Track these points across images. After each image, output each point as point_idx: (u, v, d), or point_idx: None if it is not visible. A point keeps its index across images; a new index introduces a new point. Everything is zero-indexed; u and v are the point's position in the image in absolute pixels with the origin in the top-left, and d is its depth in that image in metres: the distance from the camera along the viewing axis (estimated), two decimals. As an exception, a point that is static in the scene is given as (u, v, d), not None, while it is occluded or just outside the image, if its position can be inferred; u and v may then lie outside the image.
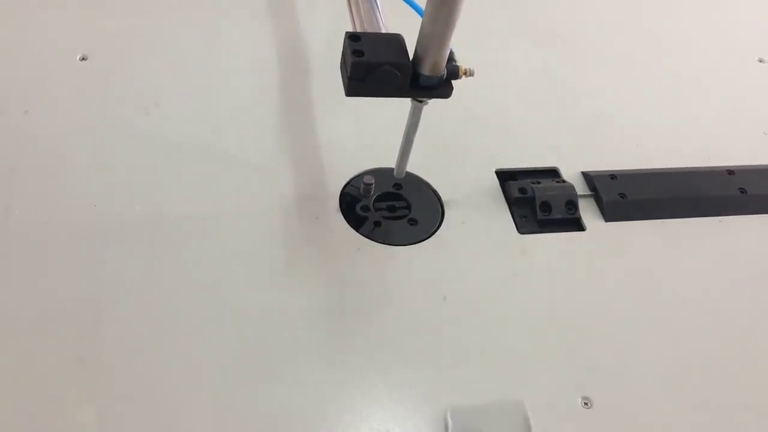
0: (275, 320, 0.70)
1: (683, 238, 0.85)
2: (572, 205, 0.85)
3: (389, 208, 0.82)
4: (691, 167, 0.93)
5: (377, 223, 0.80)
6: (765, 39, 1.19)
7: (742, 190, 0.90)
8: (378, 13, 0.72)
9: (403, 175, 0.80)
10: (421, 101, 0.70)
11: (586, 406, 0.69)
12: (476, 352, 0.71)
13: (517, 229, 0.83)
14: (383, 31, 0.69)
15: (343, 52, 0.65)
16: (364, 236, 0.79)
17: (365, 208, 0.81)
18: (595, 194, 0.88)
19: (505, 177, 0.88)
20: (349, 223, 0.79)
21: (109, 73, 0.92)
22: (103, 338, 0.67)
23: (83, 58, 0.93)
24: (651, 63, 1.10)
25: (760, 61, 1.14)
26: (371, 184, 0.81)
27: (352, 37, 0.64)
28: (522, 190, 0.85)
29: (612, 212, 0.86)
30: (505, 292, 0.77)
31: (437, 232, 0.81)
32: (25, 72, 0.90)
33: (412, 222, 0.81)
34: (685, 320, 0.77)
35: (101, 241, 0.74)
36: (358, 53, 0.63)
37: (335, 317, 0.72)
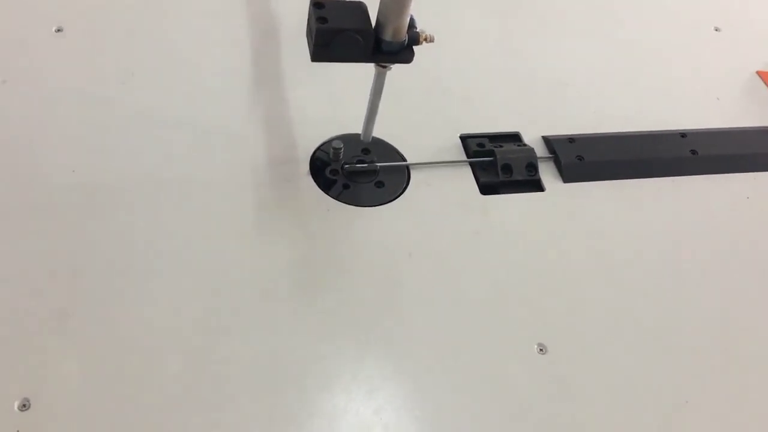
0: (248, 277, 0.74)
1: (637, 198, 0.90)
2: (532, 167, 0.89)
3: (358, 167, 0.85)
4: (646, 131, 0.97)
5: (346, 186, 0.84)
6: (722, 8, 1.23)
7: (694, 152, 0.95)
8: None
9: (370, 139, 0.83)
10: (384, 66, 0.73)
11: (541, 352, 0.73)
12: (438, 304, 0.76)
13: (480, 190, 0.87)
14: (347, -1, 0.72)
15: (308, 19, 0.69)
16: (334, 198, 0.82)
17: (335, 172, 0.85)
18: (555, 157, 0.92)
19: (468, 141, 0.92)
20: (319, 186, 0.83)
21: (85, 44, 0.94)
22: (83, 294, 0.70)
23: (59, 30, 0.95)
24: (609, 31, 1.14)
25: (716, 30, 1.18)
26: (340, 149, 0.84)
27: (316, 5, 0.68)
28: (480, 144, 0.90)
29: (570, 174, 0.90)
30: (468, 248, 0.81)
31: (403, 194, 0.85)
32: (1, 43, 0.92)
33: (380, 184, 0.85)
34: (637, 274, 0.82)
35: (80, 204, 0.77)
36: (322, 20, 0.67)
37: (305, 274, 0.76)
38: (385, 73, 0.75)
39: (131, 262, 0.73)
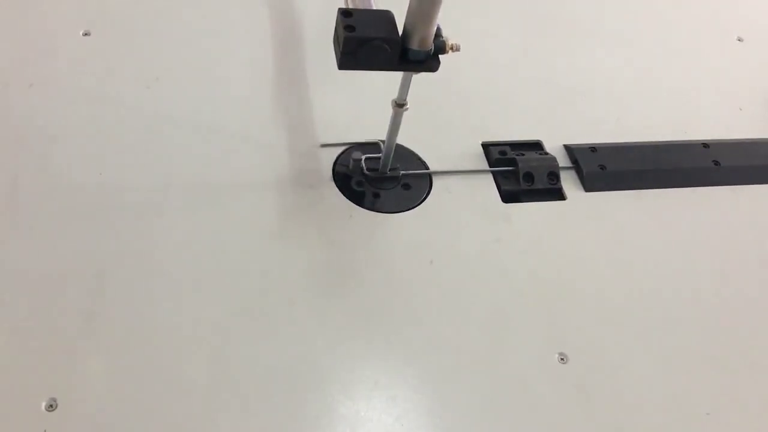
0: (270, 281, 0.75)
1: (658, 208, 0.90)
2: (554, 176, 0.89)
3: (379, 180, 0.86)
4: (668, 140, 0.97)
5: (376, 195, 0.84)
6: (745, 19, 1.23)
7: (716, 163, 0.95)
8: (369, -9, 0.76)
9: (388, 170, 0.85)
10: (401, 106, 0.75)
11: (562, 362, 0.73)
12: (459, 311, 0.76)
13: (501, 198, 0.87)
14: (374, 7, 0.73)
15: (335, 27, 0.69)
16: (356, 204, 0.83)
17: (359, 183, 0.85)
18: (576, 166, 0.92)
19: (490, 149, 0.92)
20: (341, 192, 0.84)
21: (111, 49, 0.95)
22: (109, 296, 0.71)
23: (86, 34, 0.96)
24: (632, 40, 1.14)
25: (739, 40, 1.18)
26: (360, 160, 0.85)
27: (344, 13, 0.68)
28: (502, 152, 0.90)
29: (592, 183, 0.90)
30: (489, 256, 0.81)
31: (425, 201, 0.85)
32: (29, 47, 0.93)
33: (406, 186, 0.86)
34: (658, 285, 0.82)
35: (107, 207, 0.78)
36: (350, 28, 0.67)
37: (327, 279, 0.76)
38: (401, 113, 0.76)
39: (156, 265, 0.74)
